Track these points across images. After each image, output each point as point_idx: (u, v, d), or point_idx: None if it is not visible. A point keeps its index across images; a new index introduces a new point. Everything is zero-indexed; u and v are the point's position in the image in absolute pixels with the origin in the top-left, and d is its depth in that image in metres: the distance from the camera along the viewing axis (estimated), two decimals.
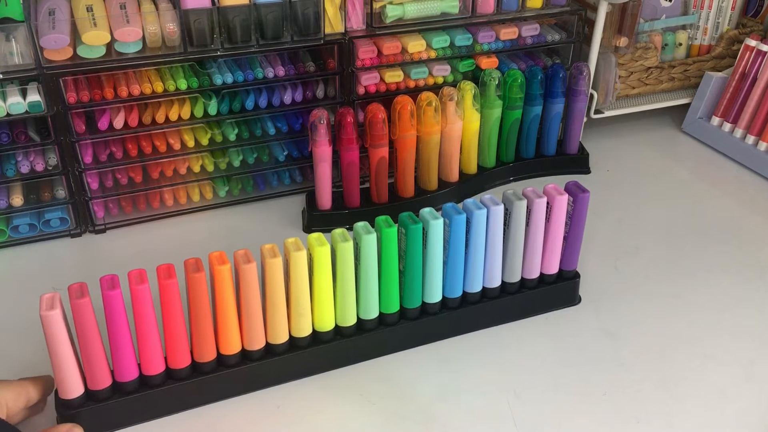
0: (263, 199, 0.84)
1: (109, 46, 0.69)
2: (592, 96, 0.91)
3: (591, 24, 0.87)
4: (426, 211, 0.59)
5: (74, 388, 0.53)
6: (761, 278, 0.72)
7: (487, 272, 0.64)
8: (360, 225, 0.57)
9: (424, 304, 0.63)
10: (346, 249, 0.56)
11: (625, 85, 0.96)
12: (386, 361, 0.63)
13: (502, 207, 0.61)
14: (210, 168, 0.80)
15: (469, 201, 0.60)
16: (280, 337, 0.58)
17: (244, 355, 0.58)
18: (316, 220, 0.78)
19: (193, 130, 0.78)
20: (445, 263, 0.61)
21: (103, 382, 0.53)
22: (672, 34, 0.98)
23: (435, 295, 0.63)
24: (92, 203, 0.76)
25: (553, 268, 0.66)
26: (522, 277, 0.66)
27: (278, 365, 0.59)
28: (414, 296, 0.62)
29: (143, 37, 0.69)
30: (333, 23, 0.76)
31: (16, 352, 0.62)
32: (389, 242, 0.57)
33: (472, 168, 0.84)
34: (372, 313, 0.61)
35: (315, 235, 0.56)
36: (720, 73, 0.96)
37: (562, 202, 0.62)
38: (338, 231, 0.57)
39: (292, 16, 0.73)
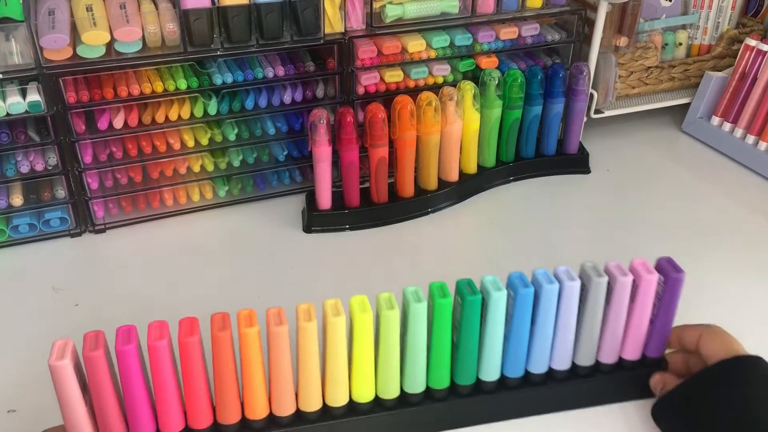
0: (263, 199, 0.84)
1: (109, 45, 0.69)
2: (592, 96, 0.91)
3: (591, 24, 0.87)
4: (488, 280, 0.52)
5: None
6: (762, 278, 0.72)
7: (556, 352, 0.55)
8: (410, 291, 0.51)
9: (479, 381, 0.55)
10: (392, 318, 0.50)
11: (625, 85, 0.96)
12: None
13: (578, 283, 0.52)
14: (210, 168, 0.80)
15: (539, 272, 0.52)
16: (313, 405, 0.53)
17: (272, 420, 0.53)
18: (315, 220, 0.78)
19: (193, 130, 0.78)
20: (506, 338, 0.54)
21: None
22: (672, 34, 0.98)
23: (492, 373, 0.55)
24: (92, 203, 0.76)
25: (633, 354, 0.57)
26: (597, 360, 0.57)
27: None
28: (467, 372, 0.55)
29: (143, 37, 0.69)
30: (333, 23, 0.76)
31: (16, 353, 0.62)
32: (442, 314, 0.51)
33: (472, 168, 0.84)
34: (418, 386, 0.54)
35: (358, 299, 0.50)
36: (720, 73, 0.96)
37: (651, 282, 0.53)
38: (384, 296, 0.51)
39: (292, 15, 0.73)
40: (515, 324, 0.53)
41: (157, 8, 0.70)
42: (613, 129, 0.99)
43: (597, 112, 0.94)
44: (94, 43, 0.68)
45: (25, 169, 0.72)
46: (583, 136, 0.90)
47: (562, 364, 0.56)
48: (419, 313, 0.50)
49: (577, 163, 0.90)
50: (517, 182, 0.88)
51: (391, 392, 0.54)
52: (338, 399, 0.53)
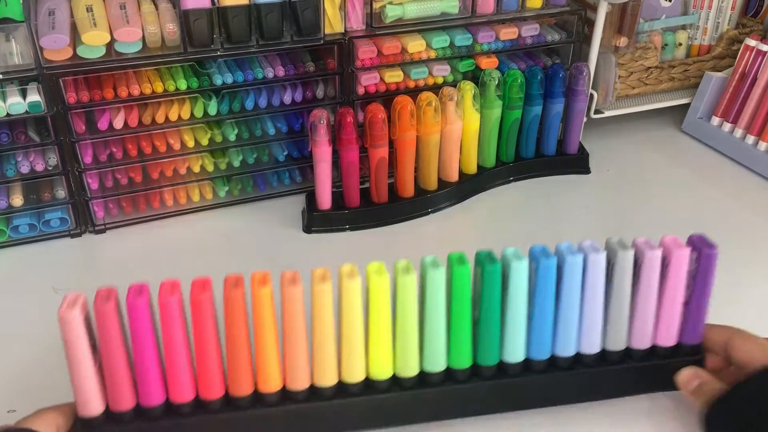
0: (263, 199, 0.84)
1: (109, 46, 0.69)
2: (592, 96, 0.91)
3: (591, 24, 0.87)
4: (509, 251, 0.49)
5: (92, 405, 0.47)
6: (762, 278, 0.72)
7: (584, 334, 0.51)
8: (428, 259, 0.48)
9: (502, 363, 0.52)
10: (409, 284, 0.47)
11: (625, 85, 0.96)
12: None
13: (603, 255, 0.49)
14: (210, 168, 0.80)
15: (562, 245, 0.50)
16: (327, 379, 0.49)
17: (285, 395, 0.50)
18: (315, 220, 0.78)
19: (193, 130, 0.78)
20: (530, 317, 0.50)
21: (124, 402, 0.47)
22: (672, 34, 0.98)
23: (516, 354, 0.51)
24: (92, 203, 0.76)
25: (668, 339, 0.53)
26: (628, 347, 0.53)
27: (323, 411, 0.50)
28: (490, 352, 0.51)
29: (143, 38, 0.69)
30: (333, 23, 0.76)
31: (16, 353, 0.62)
32: (461, 283, 0.48)
33: (472, 168, 0.84)
34: (438, 364, 0.50)
35: (374, 266, 0.48)
36: (720, 73, 0.96)
37: (683, 257, 0.50)
38: (402, 262, 0.48)
39: (292, 16, 0.73)
40: (538, 300, 0.49)
41: (157, 8, 0.70)
42: (613, 129, 0.99)
43: (597, 112, 0.94)
44: (94, 43, 0.68)
45: (25, 169, 0.72)
46: (583, 136, 0.90)
47: (590, 347, 0.52)
48: (437, 280, 0.47)
49: (577, 163, 0.90)
50: (517, 182, 0.88)
51: (410, 369, 0.50)
52: (354, 374, 0.49)
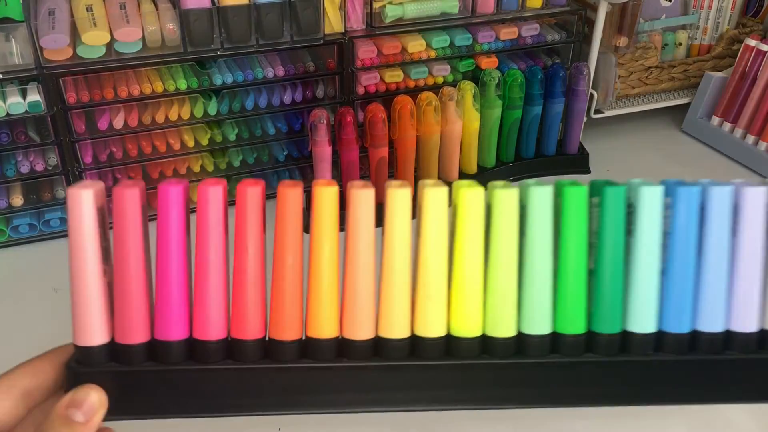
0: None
1: (109, 46, 0.69)
2: (592, 96, 0.91)
3: (591, 24, 0.87)
4: (635, 181, 0.36)
5: (93, 330, 0.35)
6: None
7: (737, 302, 0.36)
8: (531, 181, 0.36)
9: (626, 333, 0.37)
10: (510, 199, 0.35)
11: (625, 85, 0.96)
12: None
13: (765, 189, 0.35)
14: (210, 168, 0.80)
15: (703, 181, 0.36)
16: (397, 330, 0.36)
17: (344, 343, 0.36)
18: None
19: (193, 130, 0.78)
20: (663, 272, 0.36)
21: (136, 333, 0.35)
22: (672, 34, 0.98)
23: (644, 321, 0.36)
24: None
25: None
26: None
27: (393, 374, 0.36)
28: (610, 314, 0.36)
29: (143, 37, 0.69)
30: (333, 23, 0.76)
31: (16, 354, 0.62)
32: (577, 210, 0.35)
33: (472, 168, 0.84)
34: (540, 325, 0.36)
35: (464, 181, 0.36)
36: (720, 73, 0.96)
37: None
38: (499, 182, 0.36)
39: (291, 15, 0.73)
40: (675, 247, 0.36)
41: (157, 8, 0.70)
42: (613, 129, 0.99)
43: (597, 112, 0.94)
44: (94, 43, 0.68)
45: (25, 169, 0.72)
46: (583, 136, 0.90)
47: (746, 323, 0.37)
48: (542, 201, 0.35)
49: (577, 163, 0.90)
50: (518, 182, 0.88)
51: (504, 327, 0.36)
52: (431, 327, 0.36)
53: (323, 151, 0.74)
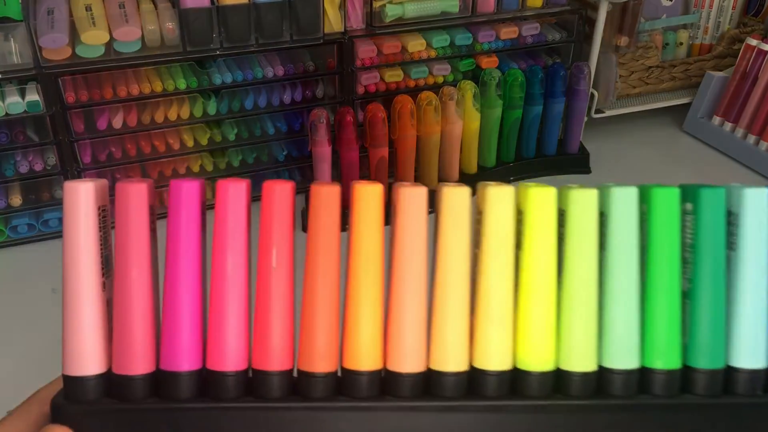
0: None
1: (108, 45, 0.68)
2: (592, 95, 0.90)
3: (591, 23, 0.87)
4: (727, 187, 0.30)
5: (87, 357, 0.29)
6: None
7: None
8: (610, 183, 0.29)
9: (730, 369, 0.30)
10: (589, 200, 0.29)
11: (625, 85, 0.95)
12: None
13: None
14: (209, 168, 0.80)
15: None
16: (452, 363, 0.29)
17: (390, 379, 0.30)
18: None
19: (193, 130, 0.77)
20: None
21: (138, 362, 0.29)
22: (673, 34, 0.98)
23: (753, 355, 0.30)
24: None
25: None
26: None
27: (443, 418, 0.29)
28: (712, 347, 0.30)
29: (142, 37, 0.69)
30: (332, 22, 0.76)
31: (15, 354, 0.62)
32: (669, 216, 0.29)
33: (473, 168, 0.84)
34: (625, 358, 0.30)
35: (530, 183, 0.30)
36: (721, 73, 0.96)
37: None
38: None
39: (291, 15, 0.73)
40: None
41: (156, 8, 0.70)
42: (614, 129, 0.99)
43: (597, 111, 0.94)
44: (93, 42, 0.67)
45: (24, 169, 0.72)
46: (584, 135, 0.90)
47: None
48: (627, 205, 0.29)
49: (578, 162, 0.89)
50: (518, 182, 0.87)
51: (583, 360, 0.30)
52: (494, 358, 0.29)
53: (323, 151, 0.74)
